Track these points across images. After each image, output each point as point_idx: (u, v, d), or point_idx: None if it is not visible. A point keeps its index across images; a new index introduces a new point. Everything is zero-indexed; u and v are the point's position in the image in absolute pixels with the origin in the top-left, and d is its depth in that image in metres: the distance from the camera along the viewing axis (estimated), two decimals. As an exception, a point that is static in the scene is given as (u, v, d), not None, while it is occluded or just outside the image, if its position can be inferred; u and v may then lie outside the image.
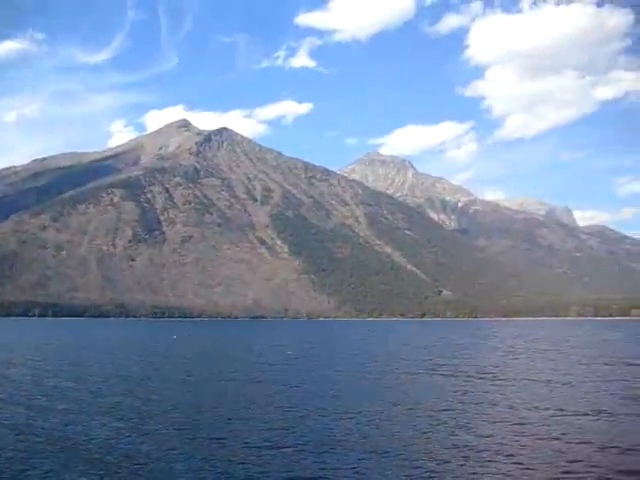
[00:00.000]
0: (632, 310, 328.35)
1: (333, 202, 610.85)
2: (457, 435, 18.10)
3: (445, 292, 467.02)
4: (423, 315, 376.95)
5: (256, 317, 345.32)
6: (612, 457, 15.24)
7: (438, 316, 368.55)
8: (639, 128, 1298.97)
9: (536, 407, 22.84)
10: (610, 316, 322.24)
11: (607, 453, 15.65)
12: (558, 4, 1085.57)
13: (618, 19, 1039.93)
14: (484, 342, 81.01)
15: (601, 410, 21.80)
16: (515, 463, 14.82)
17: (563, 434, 18.00)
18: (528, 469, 14.32)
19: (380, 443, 16.88)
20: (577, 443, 16.77)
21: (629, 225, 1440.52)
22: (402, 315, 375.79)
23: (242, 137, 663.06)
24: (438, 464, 14.76)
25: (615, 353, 53.12)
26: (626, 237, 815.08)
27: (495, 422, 20.24)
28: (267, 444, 16.74)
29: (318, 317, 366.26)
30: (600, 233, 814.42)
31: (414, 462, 14.96)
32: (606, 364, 41.62)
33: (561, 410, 22.08)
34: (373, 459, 15.23)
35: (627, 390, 27.64)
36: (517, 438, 17.65)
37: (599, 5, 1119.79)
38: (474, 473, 14.11)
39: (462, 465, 14.72)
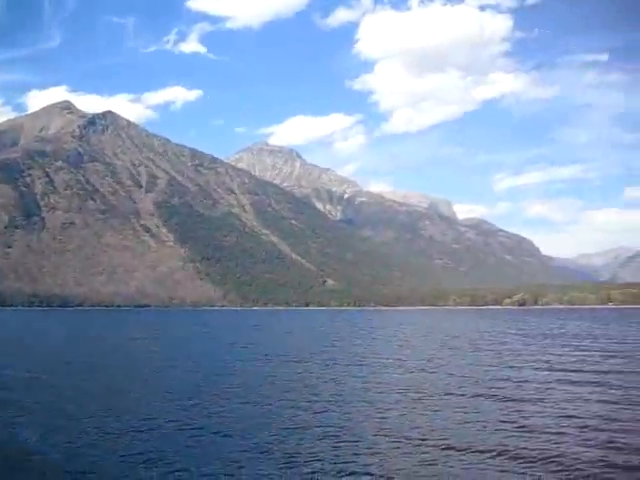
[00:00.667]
0: (505, 300, 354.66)
1: (220, 191, 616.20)
2: (297, 416, 19.31)
3: (330, 282, 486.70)
4: (307, 304, 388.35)
5: (140, 306, 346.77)
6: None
7: (322, 305, 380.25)
8: (515, 127, 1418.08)
9: (385, 389, 24.92)
10: (485, 305, 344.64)
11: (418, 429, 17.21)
12: (445, 4, 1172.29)
13: (498, 24, 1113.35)
14: (358, 330, 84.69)
15: (442, 392, 23.87)
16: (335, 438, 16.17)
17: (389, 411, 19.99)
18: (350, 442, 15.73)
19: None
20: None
21: (504, 219, 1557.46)
22: (287, 304, 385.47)
23: (128, 122, 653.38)
24: (267, 442, 15.89)
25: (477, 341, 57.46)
26: (501, 230, 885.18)
27: (330, 401, 21.87)
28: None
29: (203, 306, 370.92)
30: (477, 226, 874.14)
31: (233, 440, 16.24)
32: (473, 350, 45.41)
33: (406, 390, 24.39)
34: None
35: (473, 374, 29.73)
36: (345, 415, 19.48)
37: (482, 9, 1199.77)
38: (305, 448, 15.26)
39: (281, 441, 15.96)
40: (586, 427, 17.25)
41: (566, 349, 44.99)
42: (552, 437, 16.01)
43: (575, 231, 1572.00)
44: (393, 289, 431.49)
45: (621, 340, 53.61)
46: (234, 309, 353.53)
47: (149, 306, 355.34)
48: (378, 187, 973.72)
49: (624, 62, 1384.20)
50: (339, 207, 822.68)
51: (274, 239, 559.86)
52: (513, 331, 75.93)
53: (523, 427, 17.33)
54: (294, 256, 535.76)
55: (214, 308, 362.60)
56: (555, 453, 14.39)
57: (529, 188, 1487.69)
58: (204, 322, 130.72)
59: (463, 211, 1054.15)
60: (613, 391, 23.63)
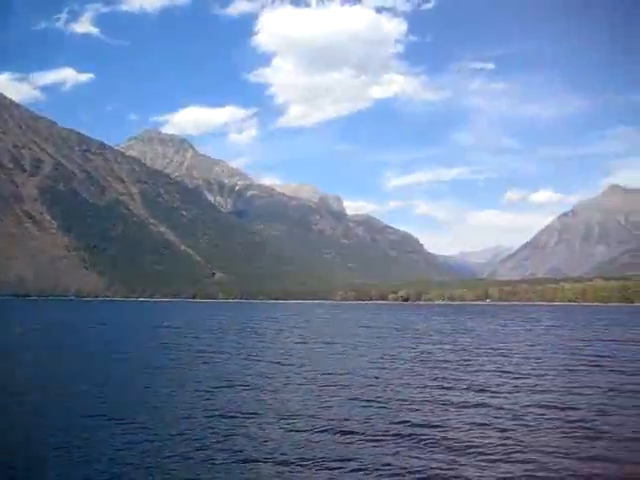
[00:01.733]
0: (390, 295, 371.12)
1: (108, 178, 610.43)
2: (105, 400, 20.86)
3: (219, 274, 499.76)
4: (195, 297, 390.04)
5: (20, 295, 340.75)
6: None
7: (210, 298, 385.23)
8: (406, 128, 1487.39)
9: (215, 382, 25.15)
10: (370, 300, 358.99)
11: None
12: (343, 4, 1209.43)
13: (393, 26, 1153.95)
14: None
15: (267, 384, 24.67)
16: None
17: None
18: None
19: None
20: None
21: (393, 216, 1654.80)
22: (175, 296, 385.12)
23: (11, 102, 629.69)
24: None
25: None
26: (388, 227, 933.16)
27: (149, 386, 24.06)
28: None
29: (87, 296, 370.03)
30: (366, 222, 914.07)
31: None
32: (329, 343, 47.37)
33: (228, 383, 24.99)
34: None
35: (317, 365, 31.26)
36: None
37: (378, 11, 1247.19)
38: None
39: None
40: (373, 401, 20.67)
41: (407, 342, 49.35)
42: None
43: (459, 230, 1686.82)
44: (283, 283, 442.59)
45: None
46: (118, 300, 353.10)
47: (29, 296, 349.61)
48: (270, 180, 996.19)
49: (508, 72, 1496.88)
50: (230, 199, 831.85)
51: (163, 230, 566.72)
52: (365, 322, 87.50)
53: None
54: (183, 247, 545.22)
55: (98, 299, 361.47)
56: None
57: (418, 187, 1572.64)
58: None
59: (354, 207, 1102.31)
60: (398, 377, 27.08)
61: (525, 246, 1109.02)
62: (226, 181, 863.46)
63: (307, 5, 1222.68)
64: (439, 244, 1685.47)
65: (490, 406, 20.12)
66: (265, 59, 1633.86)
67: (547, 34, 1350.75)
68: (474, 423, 17.50)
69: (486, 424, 17.43)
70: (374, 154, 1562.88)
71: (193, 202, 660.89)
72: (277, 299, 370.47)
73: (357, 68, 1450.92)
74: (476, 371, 29.34)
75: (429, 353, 38.48)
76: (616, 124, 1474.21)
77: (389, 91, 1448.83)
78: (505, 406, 20.06)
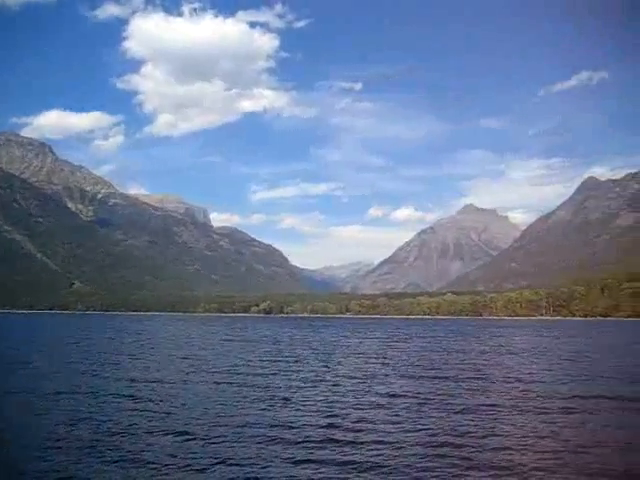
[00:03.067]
0: (252, 307, 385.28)
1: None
2: None
3: (78, 284, 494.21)
4: (52, 308, 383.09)
5: None
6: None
7: (68, 309, 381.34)
8: (274, 142, 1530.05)
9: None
10: (233, 312, 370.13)
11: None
12: (216, 16, 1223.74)
13: (266, 42, 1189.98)
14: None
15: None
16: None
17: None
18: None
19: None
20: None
21: (258, 229, 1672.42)
22: (31, 307, 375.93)
23: None
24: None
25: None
26: (254, 240, 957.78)
27: None
28: None
29: None
30: (231, 234, 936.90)
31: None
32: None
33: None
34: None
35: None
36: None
37: (252, 26, 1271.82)
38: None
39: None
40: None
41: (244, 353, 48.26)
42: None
43: (324, 244, 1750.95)
44: (145, 294, 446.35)
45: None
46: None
47: None
48: (135, 190, 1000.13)
49: (375, 92, 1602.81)
50: (91, 207, 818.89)
51: (18, 237, 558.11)
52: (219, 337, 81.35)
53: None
54: (39, 256, 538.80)
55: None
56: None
57: (284, 201, 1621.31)
58: None
59: (220, 220, 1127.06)
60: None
61: (386, 261, 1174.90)
62: (88, 188, 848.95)
63: (180, 14, 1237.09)
64: (304, 258, 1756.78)
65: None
66: (134, 65, 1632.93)
67: (411, 57, 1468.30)
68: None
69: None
70: (242, 167, 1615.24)
71: (51, 209, 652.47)
72: (137, 311, 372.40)
73: (228, 80, 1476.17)
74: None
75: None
76: (471, 147, 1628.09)
77: (259, 105, 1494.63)
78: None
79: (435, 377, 30.80)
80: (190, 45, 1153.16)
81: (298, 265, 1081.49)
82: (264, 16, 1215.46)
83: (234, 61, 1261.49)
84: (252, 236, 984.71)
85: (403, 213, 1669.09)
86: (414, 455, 15.09)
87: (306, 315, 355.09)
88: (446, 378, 30.40)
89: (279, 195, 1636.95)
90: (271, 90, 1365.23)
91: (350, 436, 17.16)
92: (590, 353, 49.58)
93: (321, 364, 38.74)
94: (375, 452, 15.36)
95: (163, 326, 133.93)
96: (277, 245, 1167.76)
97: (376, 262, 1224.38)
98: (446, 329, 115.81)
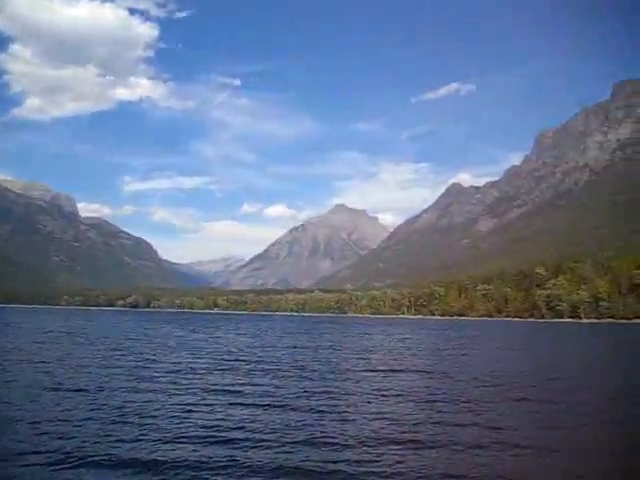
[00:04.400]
0: (118, 301, 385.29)
1: None
2: None
3: None
4: None
5: None
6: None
7: None
8: (149, 133, 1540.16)
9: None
10: (98, 305, 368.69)
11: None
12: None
13: (145, 30, 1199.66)
14: None
15: None
16: None
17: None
18: None
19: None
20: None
21: (129, 221, 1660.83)
22: None
23: None
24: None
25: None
26: (123, 232, 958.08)
27: None
28: None
29: None
30: (99, 226, 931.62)
31: None
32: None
33: None
34: None
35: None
36: None
37: (131, 13, 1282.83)
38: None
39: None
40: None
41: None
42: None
43: (195, 239, 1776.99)
44: (5, 286, 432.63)
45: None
46: None
47: None
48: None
49: (252, 89, 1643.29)
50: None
51: None
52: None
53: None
54: None
55: None
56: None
57: (157, 193, 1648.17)
58: None
59: (88, 210, 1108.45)
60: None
61: (257, 257, 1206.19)
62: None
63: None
64: (176, 252, 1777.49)
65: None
66: (2, 43, 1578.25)
67: (288, 57, 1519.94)
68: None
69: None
70: (114, 157, 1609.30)
71: None
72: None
73: (102, 67, 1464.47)
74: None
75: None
76: (344, 149, 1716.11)
77: (134, 94, 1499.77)
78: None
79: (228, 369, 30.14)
80: (63, 26, 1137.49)
81: (169, 259, 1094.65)
82: (144, 3, 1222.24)
83: (110, 47, 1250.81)
84: (122, 228, 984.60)
85: (276, 210, 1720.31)
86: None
87: (173, 310, 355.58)
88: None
89: (152, 187, 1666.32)
90: (148, 80, 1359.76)
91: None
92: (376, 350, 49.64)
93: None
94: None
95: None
96: (148, 238, 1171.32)
97: (247, 258, 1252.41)
98: (299, 326, 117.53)
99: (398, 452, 14.26)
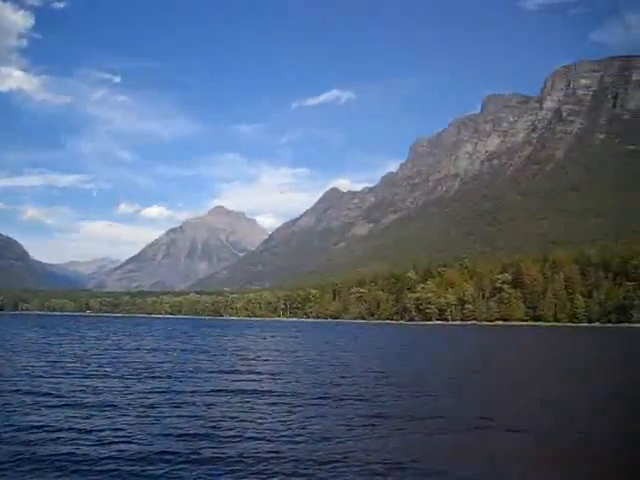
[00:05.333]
0: None
1: None
2: None
3: None
4: None
5: None
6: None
7: None
8: (21, 127, 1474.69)
9: None
10: None
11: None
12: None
13: (19, 19, 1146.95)
14: None
15: None
16: None
17: None
18: None
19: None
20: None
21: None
22: None
23: None
24: None
25: None
26: None
27: None
28: None
29: None
30: None
31: None
32: None
33: None
34: None
35: None
36: None
37: (4, 0, 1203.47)
38: None
39: None
40: None
41: None
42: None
43: (69, 239, 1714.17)
44: None
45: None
46: None
47: None
48: None
49: (133, 87, 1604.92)
50: None
51: None
52: None
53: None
54: None
55: None
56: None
57: (27, 191, 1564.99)
58: None
59: None
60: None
61: (133, 259, 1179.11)
62: None
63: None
64: (49, 252, 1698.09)
65: None
66: None
67: (171, 55, 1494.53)
68: None
69: None
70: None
71: None
72: None
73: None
74: None
75: None
76: (225, 151, 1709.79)
77: (5, 86, 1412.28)
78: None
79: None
80: None
81: (41, 260, 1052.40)
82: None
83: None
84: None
85: (154, 211, 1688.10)
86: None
87: (41, 313, 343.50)
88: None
89: (22, 184, 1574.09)
90: (21, 71, 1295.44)
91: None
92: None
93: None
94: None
95: None
96: (17, 238, 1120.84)
97: (123, 259, 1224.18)
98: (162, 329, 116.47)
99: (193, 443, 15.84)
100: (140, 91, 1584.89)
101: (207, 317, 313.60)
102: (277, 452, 15.05)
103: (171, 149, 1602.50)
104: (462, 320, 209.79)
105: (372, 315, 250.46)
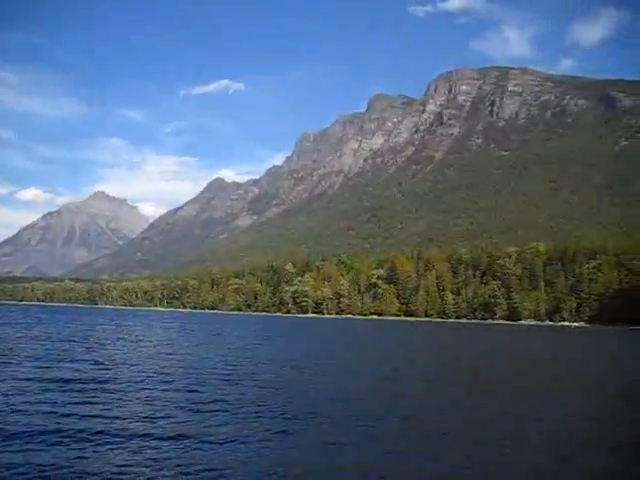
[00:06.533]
0: None
1: None
2: None
3: None
4: None
5: None
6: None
7: None
8: None
9: None
10: None
11: None
12: None
13: None
14: None
15: None
16: None
17: None
18: None
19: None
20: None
21: None
22: None
23: None
24: None
25: None
26: None
27: None
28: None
29: None
30: None
31: None
32: None
33: None
34: None
35: None
36: None
37: None
38: None
39: None
40: None
41: None
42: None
43: None
44: None
45: None
46: None
47: None
48: None
49: (15, 62, 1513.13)
50: None
51: None
52: None
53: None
54: None
55: None
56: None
57: None
58: None
59: None
60: None
61: (7, 242, 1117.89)
62: None
63: None
64: None
65: None
66: None
67: (56, 32, 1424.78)
68: None
69: None
70: None
71: None
72: None
73: None
74: None
75: None
76: (109, 135, 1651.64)
77: None
78: None
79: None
80: None
81: None
82: None
83: None
84: None
85: (30, 193, 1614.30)
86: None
87: None
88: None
89: None
90: None
91: None
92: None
93: None
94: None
95: None
96: None
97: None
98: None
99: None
100: (23, 67, 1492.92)
101: (80, 305, 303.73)
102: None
103: (52, 130, 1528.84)
104: (337, 314, 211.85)
105: (249, 307, 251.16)
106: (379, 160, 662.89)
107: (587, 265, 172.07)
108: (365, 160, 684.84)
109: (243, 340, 61.43)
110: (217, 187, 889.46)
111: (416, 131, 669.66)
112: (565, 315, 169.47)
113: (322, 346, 59.14)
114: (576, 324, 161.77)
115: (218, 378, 27.44)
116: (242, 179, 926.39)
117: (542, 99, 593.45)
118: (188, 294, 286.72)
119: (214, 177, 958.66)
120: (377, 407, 21.79)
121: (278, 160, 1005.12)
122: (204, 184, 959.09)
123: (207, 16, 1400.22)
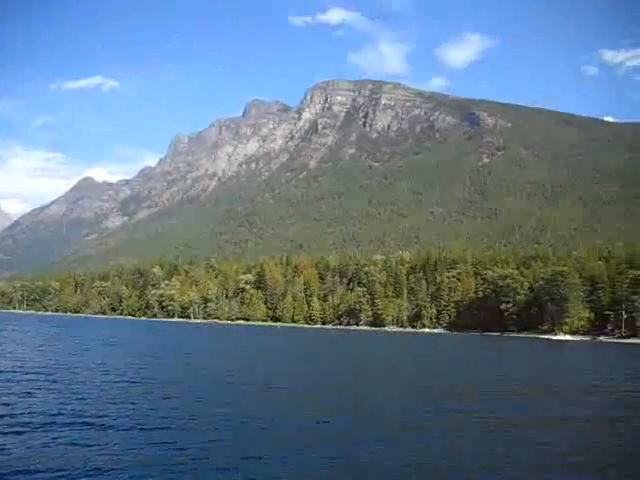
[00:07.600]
0: None
1: None
2: None
3: None
4: None
5: None
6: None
7: None
8: None
9: None
10: None
11: None
12: None
13: None
14: None
15: None
16: None
17: None
18: None
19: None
20: None
21: None
22: None
23: None
24: None
25: None
26: None
27: None
28: None
29: None
30: None
31: None
32: None
33: None
34: None
35: None
36: None
37: None
38: None
39: None
40: None
41: None
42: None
43: None
44: None
45: None
46: None
47: None
48: None
49: None
50: None
51: None
52: None
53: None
54: None
55: None
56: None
57: None
58: None
59: None
60: None
61: None
62: None
63: None
64: None
65: None
66: None
67: None
68: None
69: None
70: None
71: None
72: None
73: None
74: None
75: None
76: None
77: None
78: None
79: None
80: None
81: None
82: None
83: None
84: None
85: None
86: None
87: None
88: None
89: None
90: None
91: None
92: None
93: None
94: None
95: None
96: None
97: None
98: None
99: None
100: None
101: None
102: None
103: None
104: (204, 318, 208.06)
105: (114, 310, 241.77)
106: (253, 165, 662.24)
107: (447, 274, 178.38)
108: (240, 165, 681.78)
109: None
110: (87, 186, 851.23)
111: (291, 138, 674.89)
112: (425, 322, 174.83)
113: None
114: (435, 330, 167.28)
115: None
116: (113, 179, 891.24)
117: (412, 114, 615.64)
118: (50, 296, 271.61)
119: (84, 176, 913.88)
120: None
121: (151, 161, 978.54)
122: (73, 182, 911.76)
123: (75, 10, 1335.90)
